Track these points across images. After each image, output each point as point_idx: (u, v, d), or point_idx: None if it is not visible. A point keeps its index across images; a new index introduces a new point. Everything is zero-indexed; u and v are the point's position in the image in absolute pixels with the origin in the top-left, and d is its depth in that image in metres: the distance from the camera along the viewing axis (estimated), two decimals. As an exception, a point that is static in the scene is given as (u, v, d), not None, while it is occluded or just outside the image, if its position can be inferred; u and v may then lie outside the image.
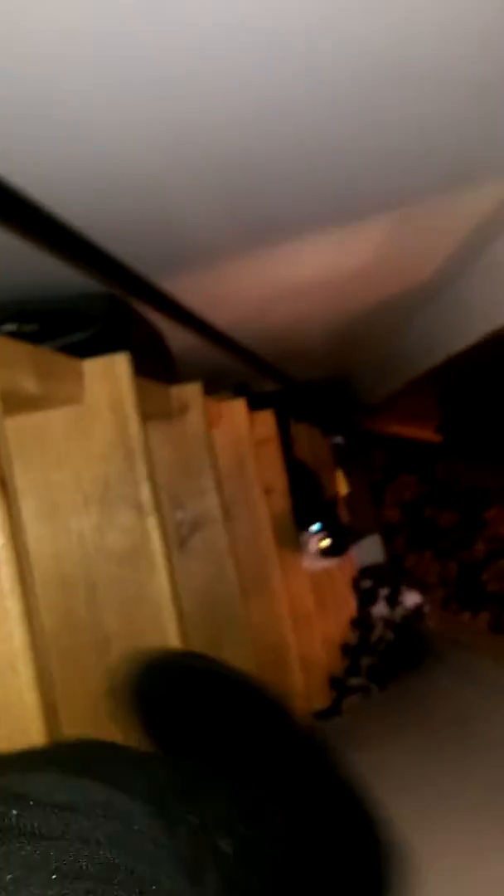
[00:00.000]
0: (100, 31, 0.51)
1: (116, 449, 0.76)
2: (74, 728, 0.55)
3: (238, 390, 1.70)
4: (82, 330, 1.00)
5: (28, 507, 0.72)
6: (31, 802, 0.33)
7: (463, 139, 0.84)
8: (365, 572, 2.30)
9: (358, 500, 2.56)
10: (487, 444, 2.13)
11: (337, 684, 1.65)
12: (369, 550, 2.49)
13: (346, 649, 1.83)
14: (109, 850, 0.31)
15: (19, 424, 0.72)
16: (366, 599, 2.09)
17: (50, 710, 0.49)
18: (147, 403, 0.83)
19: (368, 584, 2.16)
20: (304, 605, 1.47)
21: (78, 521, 0.74)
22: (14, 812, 0.31)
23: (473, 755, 1.30)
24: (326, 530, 1.51)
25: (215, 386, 1.64)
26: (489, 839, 1.01)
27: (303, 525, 1.51)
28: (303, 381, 2.25)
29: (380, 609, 2.04)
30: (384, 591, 2.12)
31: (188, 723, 0.59)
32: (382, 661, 1.83)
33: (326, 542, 1.51)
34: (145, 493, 0.76)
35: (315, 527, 1.50)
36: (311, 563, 1.52)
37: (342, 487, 2.45)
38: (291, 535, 1.51)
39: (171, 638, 0.74)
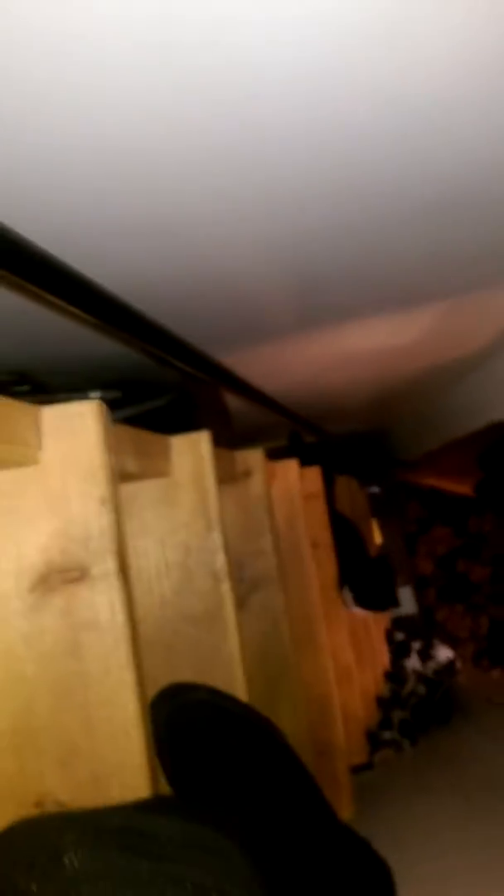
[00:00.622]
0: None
1: (197, 519, 0.82)
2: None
3: (292, 440, 1.77)
4: (159, 397, 1.08)
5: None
6: (161, 839, 0.41)
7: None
8: (398, 623, 2.33)
9: (391, 551, 2.60)
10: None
11: (371, 738, 1.69)
12: (402, 602, 2.53)
13: (380, 702, 1.86)
14: (215, 877, 0.41)
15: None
16: (399, 652, 2.12)
17: (154, 771, 0.55)
18: (218, 470, 0.90)
19: (401, 636, 2.19)
20: (345, 658, 1.52)
21: (160, 585, 0.81)
22: (147, 846, 0.40)
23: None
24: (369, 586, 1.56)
25: (259, 437, 1.72)
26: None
27: (346, 580, 1.56)
28: (342, 433, 2.31)
29: (413, 662, 2.07)
30: (416, 645, 2.14)
31: (207, 763, 0.65)
32: (414, 716, 1.86)
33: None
34: (220, 561, 0.83)
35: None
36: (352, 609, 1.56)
37: (376, 537, 2.49)
38: (334, 589, 1.56)
39: (240, 697, 0.79)
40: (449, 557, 2.73)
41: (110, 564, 0.57)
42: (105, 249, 0.70)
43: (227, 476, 1.06)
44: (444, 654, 2.12)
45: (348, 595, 1.57)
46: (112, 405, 0.95)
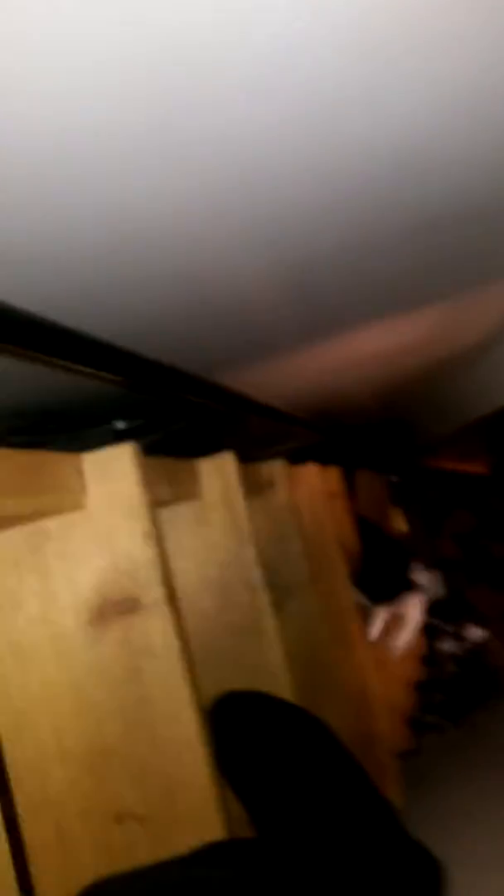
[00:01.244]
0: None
1: (229, 536, 0.87)
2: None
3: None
4: (180, 420, 1.13)
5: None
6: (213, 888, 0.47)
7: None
8: (430, 608, 2.37)
9: (416, 538, 2.64)
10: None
11: (415, 724, 1.73)
12: (431, 586, 2.56)
13: (419, 686, 1.90)
14: None
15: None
16: (432, 635, 2.16)
17: (216, 785, 0.60)
18: (245, 483, 0.94)
19: (435, 620, 2.22)
20: (381, 647, 1.56)
21: (201, 601, 0.85)
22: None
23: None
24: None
25: (277, 441, 1.75)
26: None
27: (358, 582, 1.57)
28: (357, 426, 2.35)
29: (447, 644, 2.11)
30: (449, 627, 2.18)
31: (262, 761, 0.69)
32: (454, 698, 1.90)
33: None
34: (255, 573, 0.87)
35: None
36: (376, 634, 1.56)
37: (401, 525, 2.53)
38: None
39: (288, 699, 0.84)
40: (471, 538, 2.76)
41: (159, 593, 0.61)
42: (93, 301, 0.72)
43: (253, 488, 1.10)
44: (476, 633, 2.16)
45: (361, 597, 1.59)
46: (136, 432, 1.00)
